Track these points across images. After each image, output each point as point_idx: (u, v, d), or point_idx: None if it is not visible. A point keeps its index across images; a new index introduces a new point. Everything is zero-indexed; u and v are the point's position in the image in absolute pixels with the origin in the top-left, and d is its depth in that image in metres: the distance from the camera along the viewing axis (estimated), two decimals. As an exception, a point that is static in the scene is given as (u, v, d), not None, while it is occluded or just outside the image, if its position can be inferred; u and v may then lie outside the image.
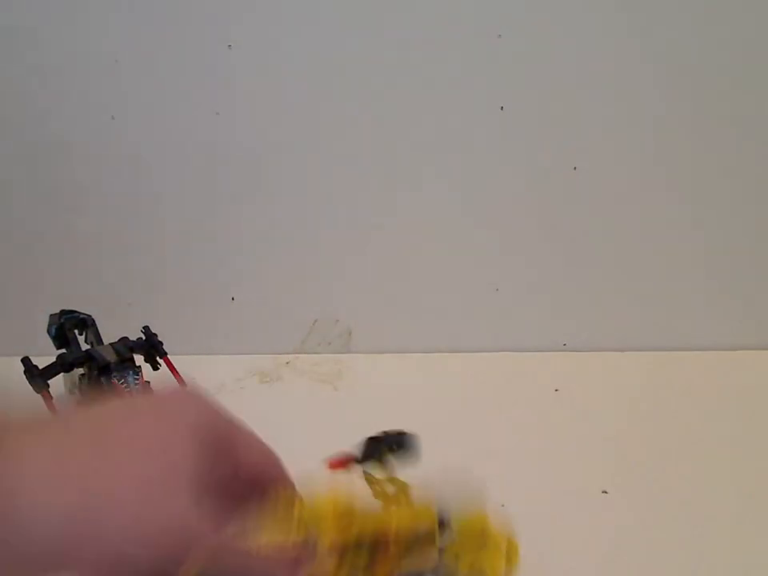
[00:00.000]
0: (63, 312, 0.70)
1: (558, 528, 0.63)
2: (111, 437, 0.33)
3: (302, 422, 0.76)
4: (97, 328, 0.71)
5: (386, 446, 0.50)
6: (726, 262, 0.83)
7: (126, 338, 0.67)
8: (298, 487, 0.43)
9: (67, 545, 0.30)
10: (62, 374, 0.66)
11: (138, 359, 0.66)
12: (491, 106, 0.76)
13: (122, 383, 0.62)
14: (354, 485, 0.46)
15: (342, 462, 0.49)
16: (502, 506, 0.66)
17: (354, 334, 0.87)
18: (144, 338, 0.68)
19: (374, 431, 0.75)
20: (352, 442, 0.74)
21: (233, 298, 0.85)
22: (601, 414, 0.77)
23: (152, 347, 0.67)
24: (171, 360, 0.67)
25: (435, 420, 0.76)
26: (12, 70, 0.74)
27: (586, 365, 0.84)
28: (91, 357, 0.65)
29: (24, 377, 0.63)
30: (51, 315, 0.70)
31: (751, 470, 0.69)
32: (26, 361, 0.64)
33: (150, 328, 0.69)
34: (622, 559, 0.60)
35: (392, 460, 0.50)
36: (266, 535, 0.36)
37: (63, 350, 0.69)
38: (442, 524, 0.43)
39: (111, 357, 0.64)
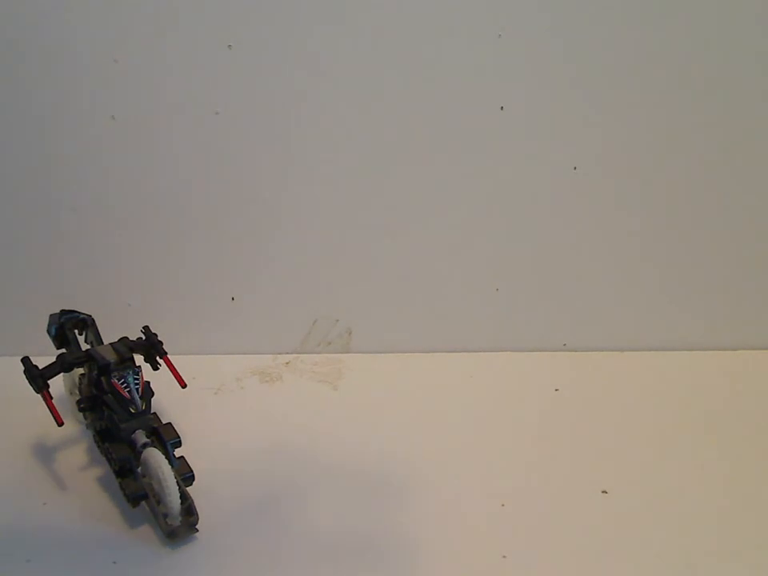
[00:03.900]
0: (63, 312, 0.70)
1: (558, 528, 0.63)
2: None
3: (302, 421, 0.76)
4: (97, 328, 0.71)
5: None
6: (726, 262, 0.83)
7: (126, 337, 0.67)
8: None
9: None
10: (61, 374, 0.66)
11: (138, 359, 0.66)
12: (491, 106, 0.76)
13: (122, 383, 0.62)
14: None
15: None
16: (502, 505, 0.66)
17: (353, 333, 0.87)
18: (144, 337, 0.68)
19: (373, 431, 0.75)
20: (352, 441, 0.74)
21: (233, 298, 0.85)
22: (601, 414, 0.77)
23: (152, 347, 0.67)
24: (171, 360, 0.67)
25: (435, 420, 0.76)
26: (11, 70, 0.74)
27: (586, 365, 0.84)
28: (91, 357, 0.65)
29: (24, 377, 0.64)
30: (51, 315, 0.70)
31: (751, 469, 0.69)
32: (25, 361, 0.64)
33: (150, 328, 0.69)
34: (622, 559, 0.60)
35: None
36: None
37: (63, 350, 0.69)
38: None
39: (111, 357, 0.64)
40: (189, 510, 0.62)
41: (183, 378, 0.66)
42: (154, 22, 0.72)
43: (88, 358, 0.65)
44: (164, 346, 0.67)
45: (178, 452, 0.64)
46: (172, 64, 0.74)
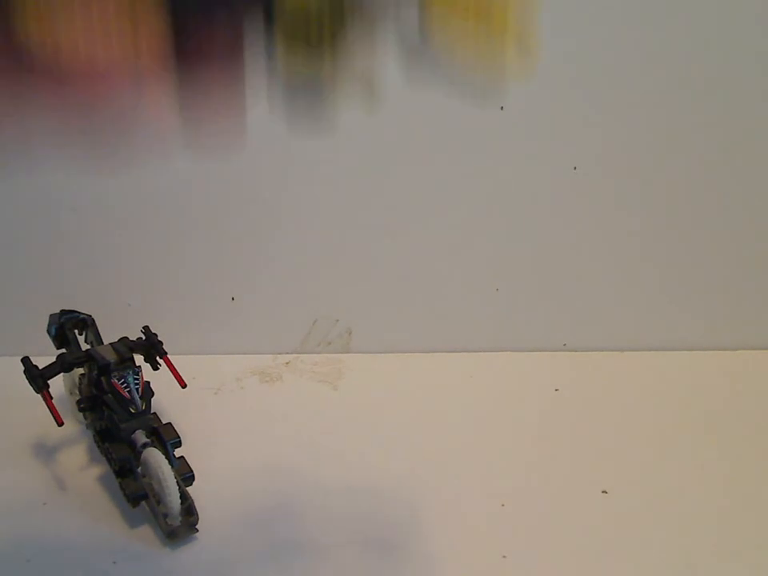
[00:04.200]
0: (63, 312, 0.70)
1: (558, 528, 0.63)
2: None
3: (302, 422, 0.76)
4: (97, 328, 0.71)
5: None
6: (726, 262, 0.83)
7: (126, 337, 0.67)
8: None
9: None
10: (61, 374, 0.66)
11: (138, 359, 0.66)
12: (491, 106, 0.76)
13: (122, 383, 0.62)
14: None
15: None
16: (502, 505, 0.66)
17: (353, 333, 0.87)
18: (144, 337, 0.68)
19: (373, 431, 0.75)
20: (352, 441, 0.74)
21: (233, 298, 0.85)
22: (601, 414, 0.77)
23: (152, 347, 0.67)
24: (171, 360, 0.67)
25: (435, 420, 0.76)
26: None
27: (586, 365, 0.84)
28: (91, 357, 0.65)
29: (24, 377, 0.64)
30: (51, 315, 0.70)
31: (751, 469, 0.69)
32: (25, 361, 0.64)
33: (150, 328, 0.69)
34: (622, 559, 0.61)
35: None
36: None
37: (63, 350, 0.69)
38: None
39: (111, 357, 0.64)
40: (189, 510, 0.62)
41: (183, 377, 0.66)
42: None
43: (88, 358, 0.65)
44: (164, 346, 0.67)
45: (178, 452, 0.64)
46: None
